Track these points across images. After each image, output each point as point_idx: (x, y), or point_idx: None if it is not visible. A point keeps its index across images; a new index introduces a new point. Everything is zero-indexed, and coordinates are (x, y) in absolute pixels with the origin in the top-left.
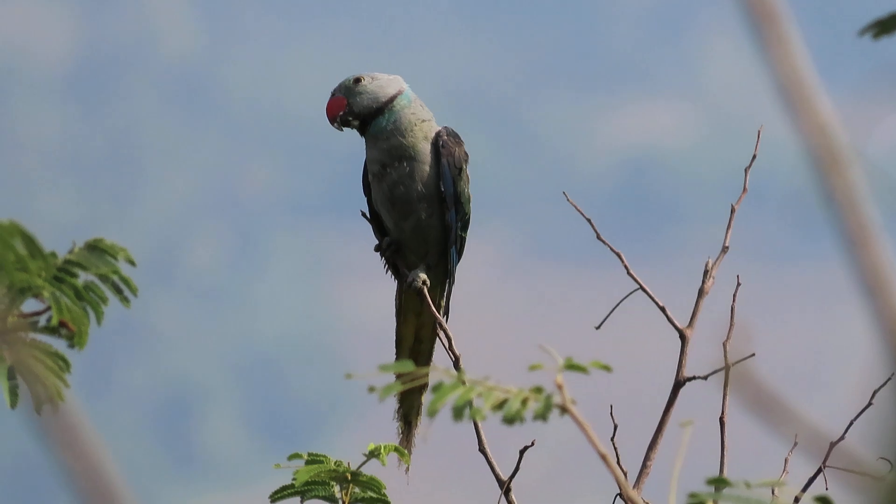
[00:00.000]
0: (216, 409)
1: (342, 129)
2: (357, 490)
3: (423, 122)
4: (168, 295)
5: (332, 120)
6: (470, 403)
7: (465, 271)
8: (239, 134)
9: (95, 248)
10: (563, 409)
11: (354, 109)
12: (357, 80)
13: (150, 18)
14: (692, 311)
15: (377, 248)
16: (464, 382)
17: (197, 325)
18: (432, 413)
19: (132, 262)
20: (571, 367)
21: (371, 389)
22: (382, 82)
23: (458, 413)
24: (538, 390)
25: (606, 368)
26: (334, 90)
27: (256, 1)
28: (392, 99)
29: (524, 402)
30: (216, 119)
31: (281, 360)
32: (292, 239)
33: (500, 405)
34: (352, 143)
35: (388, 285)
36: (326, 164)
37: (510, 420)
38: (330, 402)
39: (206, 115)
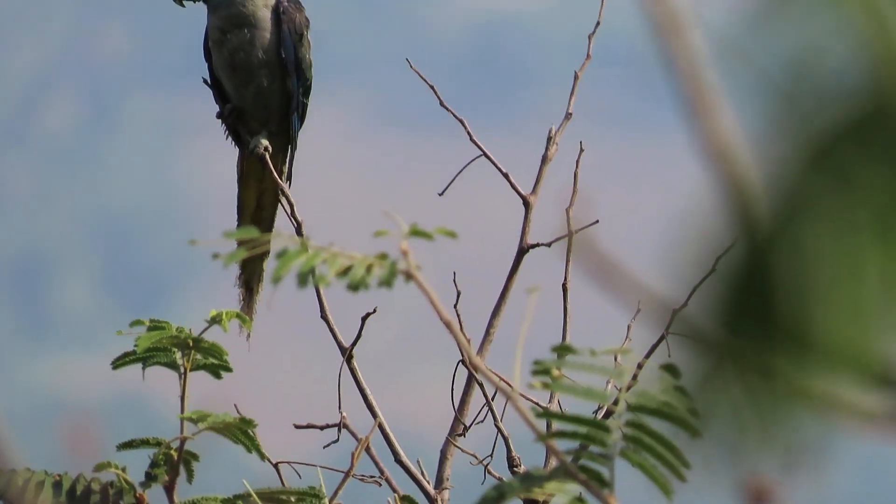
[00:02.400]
0: (66, 272)
1: (184, 6)
2: (199, 357)
3: None
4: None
5: None
6: (314, 270)
7: (309, 138)
8: None
9: None
10: (408, 276)
11: None
12: None
13: None
14: (536, 177)
15: (219, 115)
16: (308, 249)
17: (48, 188)
18: (276, 280)
19: None
20: (416, 233)
21: (215, 256)
22: None
23: (302, 279)
24: (383, 257)
25: (452, 235)
26: None
27: None
28: None
29: (369, 268)
30: None
31: (131, 225)
32: (145, 104)
33: (344, 272)
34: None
35: (234, 152)
36: (180, 28)
37: (355, 287)
38: (178, 268)
39: None
